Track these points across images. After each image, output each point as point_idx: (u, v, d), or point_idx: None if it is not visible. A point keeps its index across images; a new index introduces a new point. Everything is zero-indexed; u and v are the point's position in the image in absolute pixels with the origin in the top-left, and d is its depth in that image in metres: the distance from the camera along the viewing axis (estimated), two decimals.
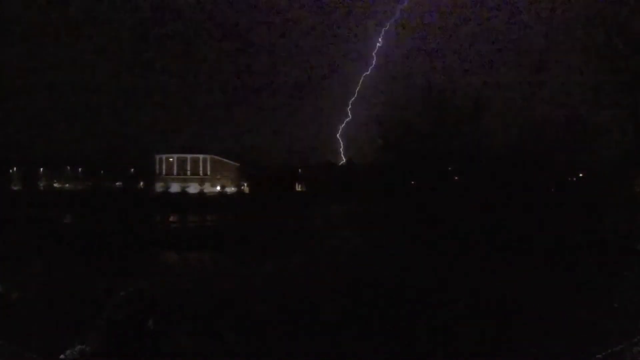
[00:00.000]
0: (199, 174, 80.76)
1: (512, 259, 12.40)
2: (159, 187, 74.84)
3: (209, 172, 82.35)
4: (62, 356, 2.17)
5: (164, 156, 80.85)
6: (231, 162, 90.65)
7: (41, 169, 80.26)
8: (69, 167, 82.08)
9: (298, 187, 79.37)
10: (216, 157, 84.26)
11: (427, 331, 6.21)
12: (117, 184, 77.54)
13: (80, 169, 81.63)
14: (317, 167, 78.46)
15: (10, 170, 78.54)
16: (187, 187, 73.39)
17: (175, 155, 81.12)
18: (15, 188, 71.31)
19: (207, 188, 76.10)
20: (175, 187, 72.93)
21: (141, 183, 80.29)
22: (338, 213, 32.74)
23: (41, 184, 77.87)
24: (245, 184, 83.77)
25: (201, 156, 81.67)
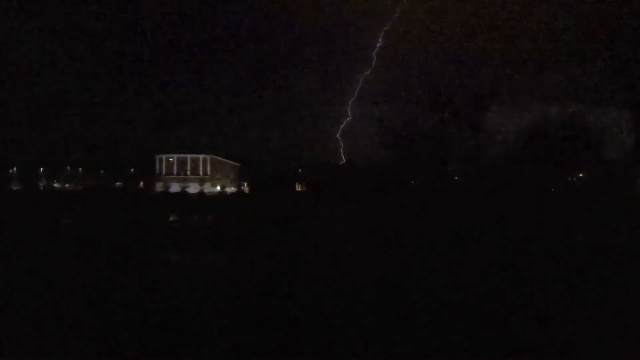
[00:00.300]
0: (199, 174, 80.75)
1: (512, 259, 12.40)
2: (159, 187, 74.97)
3: (209, 172, 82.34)
4: None
5: (164, 156, 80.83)
6: (231, 162, 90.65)
7: (41, 169, 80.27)
8: (69, 167, 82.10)
9: (298, 187, 79.49)
10: (216, 157, 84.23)
11: (427, 331, 6.21)
12: (117, 184, 77.56)
13: (80, 169, 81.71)
14: (317, 167, 78.50)
15: (10, 171, 78.52)
16: (187, 187, 73.52)
17: (175, 155, 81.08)
18: (15, 188, 71.34)
19: (207, 188, 76.18)
20: (175, 187, 73.05)
21: (141, 183, 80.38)
22: (338, 213, 32.79)
23: (41, 184, 77.91)
24: (245, 184, 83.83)
25: (201, 156, 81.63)
